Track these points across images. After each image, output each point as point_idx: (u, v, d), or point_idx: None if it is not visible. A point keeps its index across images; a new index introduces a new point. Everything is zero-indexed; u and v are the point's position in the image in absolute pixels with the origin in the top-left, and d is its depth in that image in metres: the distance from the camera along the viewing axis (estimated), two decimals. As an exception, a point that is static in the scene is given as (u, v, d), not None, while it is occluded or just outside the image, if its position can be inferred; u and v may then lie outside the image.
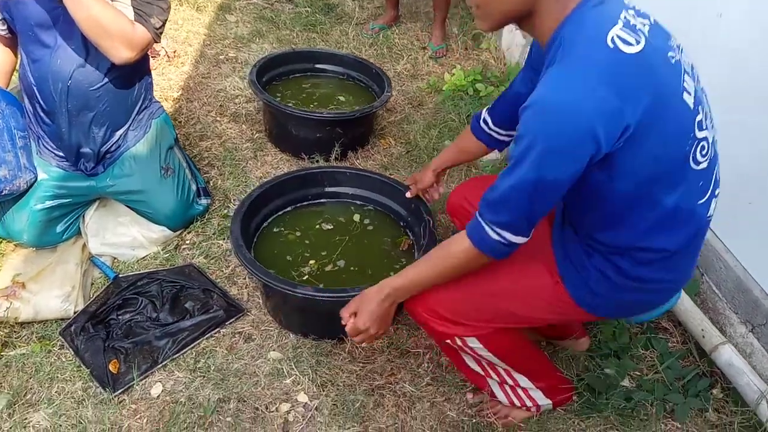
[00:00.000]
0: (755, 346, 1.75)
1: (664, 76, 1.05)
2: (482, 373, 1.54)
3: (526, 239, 1.18)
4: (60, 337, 1.78)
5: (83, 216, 2.09)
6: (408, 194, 1.99)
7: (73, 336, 1.77)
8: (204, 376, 1.71)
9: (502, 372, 1.52)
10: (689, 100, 1.09)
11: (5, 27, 1.91)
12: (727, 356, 1.70)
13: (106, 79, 1.89)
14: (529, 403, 1.59)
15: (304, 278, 1.89)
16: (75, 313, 1.84)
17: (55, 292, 1.84)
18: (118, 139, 2.01)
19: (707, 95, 1.19)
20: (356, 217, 2.14)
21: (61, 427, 1.56)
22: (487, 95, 3.06)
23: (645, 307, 1.37)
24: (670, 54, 1.08)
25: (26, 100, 1.96)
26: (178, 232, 2.14)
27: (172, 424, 1.58)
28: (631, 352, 1.85)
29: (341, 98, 2.80)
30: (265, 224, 2.05)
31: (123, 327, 1.81)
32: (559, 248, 1.35)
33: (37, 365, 1.71)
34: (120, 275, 1.97)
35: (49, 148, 1.99)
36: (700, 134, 1.11)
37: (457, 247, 1.24)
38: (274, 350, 1.80)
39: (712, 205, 1.22)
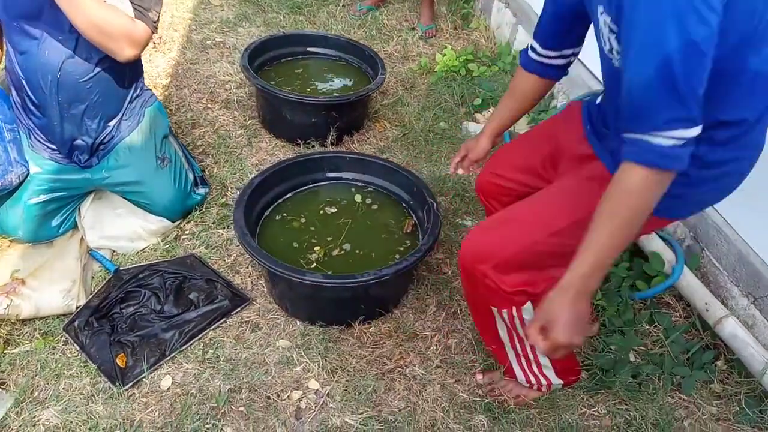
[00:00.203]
0: (757, 317, 1.78)
1: None
2: (509, 345, 1.54)
3: (700, 127, 1.02)
4: (64, 333, 1.75)
5: (79, 209, 2.05)
6: (460, 170, 1.76)
7: (78, 331, 1.74)
8: (213, 367, 1.70)
9: (528, 347, 1.52)
10: None
11: None
12: (731, 328, 1.73)
13: (97, 69, 1.84)
14: (543, 382, 1.60)
15: (312, 265, 1.88)
16: (77, 308, 1.81)
17: (56, 287, 1.81)
18: (112, 129, 1.97)
19: None
20: (358, 198, 2.12)
21: (72, 424, 1.54)
22: (480, 75, 3.04)
23: (721, 194, 1.31)
24: None
25: (14, 93, 1.91)
26: (177, 223, 2.11)
27: (185, 416, 1.57)
28: (636, 327, 1.88)
29: (335, 81, 2.76)
30: (267, 212, 2.03)
31: (127, 320, 1.79)
32: (617, 161, 1.22)
33: (42, 362, 1.68)
34: (120, 268, 1.94)
35: (41, 140, 1.94)
36: None
37: (629, 184, 1.06)
38: (282, 338, 1.79)
39: None
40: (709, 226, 1.93)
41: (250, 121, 2.66)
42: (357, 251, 1.94)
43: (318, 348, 1.77)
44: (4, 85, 1.98)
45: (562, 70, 1.54)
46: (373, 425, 1.59)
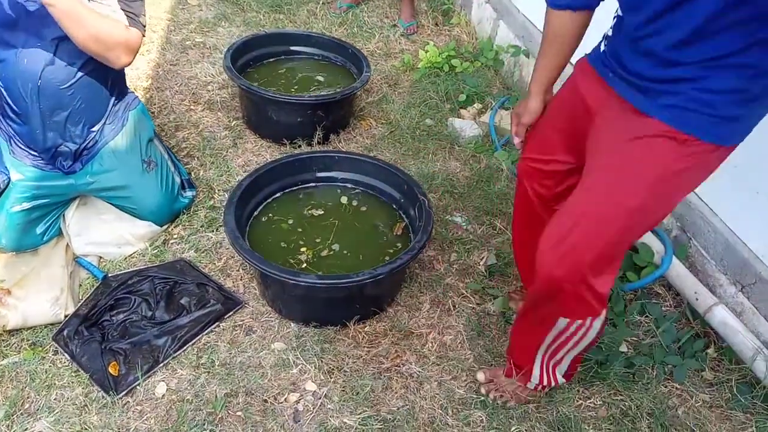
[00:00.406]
0: (745, 305, 1.81)
1: None
2: (544, 350, 1.48)
3: None
4: (53, 343, 1.71)
5: (63, 216, 2.01)
6: (517, 142, 1.60)
7: (67, 340, 1.71)
8: (208, 372, 1.68)
9: (564, 354, 1.48)
10: None
11: None
12: (721, 316, 1.76)
13: (79, 75, 1.80)
14: (553, 383, 1.58)
15: (303, 266, 1.86)
16: (66, 317, 1.77)
17: (43, 296, 1.77)
18: (96, 134, 1.93)
19: None
20: (344, 199, 2.12)
21: (66, 435, 1.51)
22: (463, 71, 3.05)
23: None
24: None
25: None
26: (165, 227, 2.08)
27: (182, 423, 1.55)
28: (627, 318, 1.90)
29: (320, 80, 2.74)
30: (255, 213, 2.01)
31: (118, 328, 1.76)
32: (665, 110, 1.19)
33: (32, 373, 1.65)
34: (109, 275, 1.91)
35: (22, 146, 1.89)
36: None
37: None
38: (277, 341, 1.78)
39: None
40: (695, 215, 1.96)
41: (234, 122, 2.63)
42: (345, 252, 1.93)
43: (314, 349, 1.76)
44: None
45: None
46: (372, 425, 1.59)
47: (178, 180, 2.12)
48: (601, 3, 1.35)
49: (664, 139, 1.19)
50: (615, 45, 1.30)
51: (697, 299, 1.84)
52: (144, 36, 1.82)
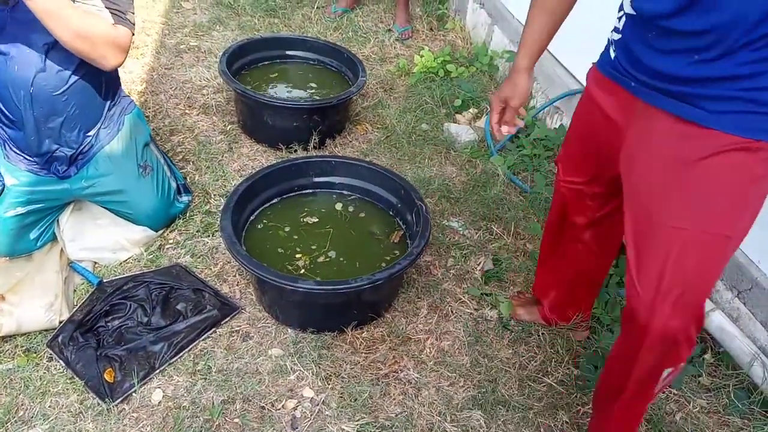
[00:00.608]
0: (741, 310, 1.82)
1: None
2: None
3: None
4: (47, 349, 1.69)
5: (58, 221, 1.99)
6: (504, 129, 1.50)
7: (62, 347, 1.69)
8: (205, 379, 1.67)
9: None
10: None
11: None
12: (718, 321, 1.77)
13: (72, 80, 1.78)
14: None
15: (300, 272, 1.85)
16: (60, 322, 1.75)
17: (37, 302, 1.75)
18: (91, 138, 1.91)
19: None
20: (338, 206, 2.11)
21: (61, 443, 1.49)
22: (459, 76, 3.05)
23: None
24: None
25: None
26: (161, 232, 2.07)
27: (178, 430, 1.54)
28: (624, 323, 1.90)
29: (315, 85, 2.74)
30: (251, 218, 2.01)
31: (114, 334, 1.75)
32: (724, 118, 1.08)
33: (26, 380, 1.63)
34: (104, 280, 1.89)
35: (17, 151, 1.87)
36: None
37: None
38: (274, 347, 1.77)
39: None
40: (691, 221, 1.96)
41: (229, 126, 2.62)
42: (341, 259, 1.93)
43: (311, 355, 1.75)
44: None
45: None
46: (370, 431, 1.58)
47: (173, 185, 2.10)
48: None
49: (736, 153, 1.07)
50: (630, 47, 1.18)
51: (693, 304, 1.84)
52: (134, 34, 1.78)
